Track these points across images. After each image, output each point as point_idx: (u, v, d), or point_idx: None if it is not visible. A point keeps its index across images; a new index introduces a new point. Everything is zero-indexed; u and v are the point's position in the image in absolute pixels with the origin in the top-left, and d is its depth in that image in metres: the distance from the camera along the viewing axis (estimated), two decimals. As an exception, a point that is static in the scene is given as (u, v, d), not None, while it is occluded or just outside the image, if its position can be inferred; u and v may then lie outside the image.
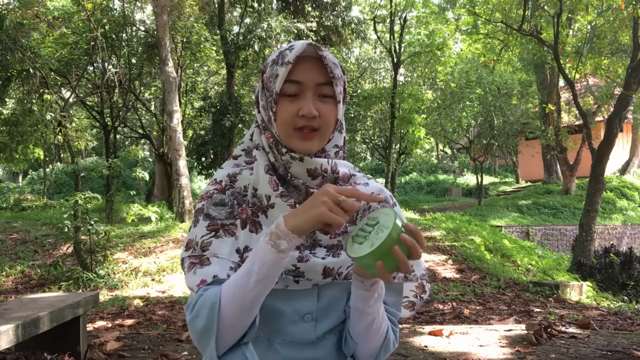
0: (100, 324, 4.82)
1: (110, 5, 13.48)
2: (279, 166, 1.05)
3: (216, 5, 15.53)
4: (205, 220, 1.03)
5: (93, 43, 11.34)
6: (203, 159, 15.56)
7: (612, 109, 10.69)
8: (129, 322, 4.91)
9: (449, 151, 35.01)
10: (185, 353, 3.61)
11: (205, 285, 0.96)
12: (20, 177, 29.80)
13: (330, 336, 1.07)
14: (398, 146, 18.70)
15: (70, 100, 12.89)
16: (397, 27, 17.43)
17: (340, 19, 15.35)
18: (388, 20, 17.95)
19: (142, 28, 15.00)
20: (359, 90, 17.71)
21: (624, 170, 22.60)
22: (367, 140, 20.57)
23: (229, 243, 1.01)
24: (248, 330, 0.96)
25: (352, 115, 17.21)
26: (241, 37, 13.40)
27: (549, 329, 3.96)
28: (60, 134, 10.22)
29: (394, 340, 1.09)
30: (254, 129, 1.11)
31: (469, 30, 16.95)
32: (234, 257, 1.01)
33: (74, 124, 12.23)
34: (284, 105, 1.01)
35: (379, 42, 18.75)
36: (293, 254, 1.01)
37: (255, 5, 14.67)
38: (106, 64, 13.05)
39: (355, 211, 0.92)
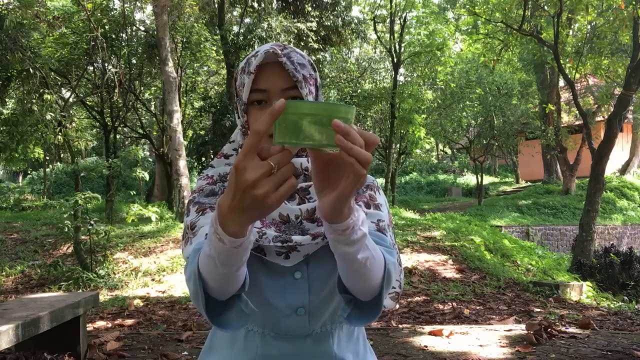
0: (100, 324, 4.82)
1: (110, 5, 13.47)
2: None
3: (216, 5, 15.52)
4: (194, 207, 1.06)
5: (93, 43, 11.34)
6: (203, 159, 15.56)
7: (612, 109, 10.69)
8: (129, 322, 4.91)
9: (449, 151, 34.99)
10: (185, 353, 3.61)
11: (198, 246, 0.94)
12: (20, 177, 29.79)
13: (327, 327, 1.07)
14: (398, 146, 18.71)
15: (70, 100, 12.89)
16: (397, 27, 17.44)
17: (340, 19, 15.33)
18: (388, 20, 17.95)
19: (142, 28, 14.99)
20: (359, 90, 17.72)
21: (624, 170, 22.60)
22: (367, 140, 20.52)
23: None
24: (240, 287, 0.90)
25: (352, 115, 17.19)
26: (241, 37, 13.41)
27: (549, 329, 3.96)
28: (60, 134, 10.22)
29: (394, 263, 0.96)
30: (237, 130, 1.14)
31: (469, 30, 16.95)
32: None
33: (74, 124, 12.23)
34: (253, 113, 1.04)
35: (379, 42, 18.75)
36: (280, 234, 0.99)
37: (255, 5, 14.67)
38: (106, 64, 13.04)
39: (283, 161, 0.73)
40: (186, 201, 10.70)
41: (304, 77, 1.03)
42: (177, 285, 6.58)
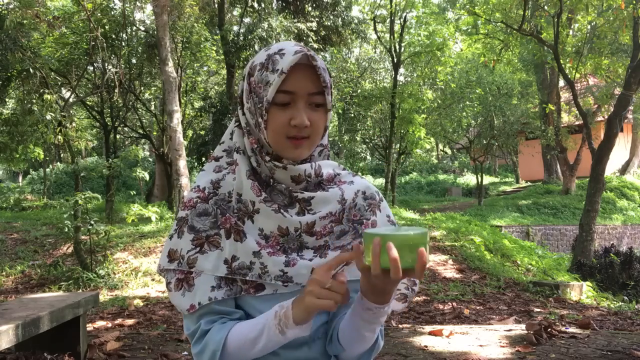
0: (100, 324, 4.82)
1: (110, 5, 13.47)
2: (262, 171, 1.05)
3: (216, 5, 15.52)
4: (190, 233, 1.04)
5: (93, 43, 11.32)
6: (203, 159, 15.55)
7: (612, 109, 10.69)
8: (129, 322, 4.91)
9: (449, 151, 35.00)
10: (185, 353, 3.61)
11: (202, 314, 1.02)
12: (20, 177, 29.79)
13: (321, 335, 1.08)
14: (398, 146, 18.70)
15: (70, 100, 12.88)
16: (397, 27, 17.43)
17: (340, 18, 15.32)
18: (388, 20, 17.95)
19: (142, 28, 14.99)
20: (359, 90, 17.71)
21: (624, 170, 22.60)
22: (367, 140, 20.57)
23: (214, 256, 1.03)
24: None
25: (352, 115, 17.21)
26: (241, 37, 13.40)
27: (549, 329, 3.96)
28: (60, 134, 10.20)
29: (380, 342, 1.10)
30: (235, 129, 1.10)
31: (469, 31, 16.95)
32: (220, 270, 1.02)
33: (74, 124, 12.20)
34: (275, 113, 1.01)
35: (379, 42, 18.74)
36: (280, 259, 1.02)
37: (255, 5, 14.66)
38: (106, 64, 13.03)
39: (344, 292, 0.94)
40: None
41: (329, 84, 1.03)
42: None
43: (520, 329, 4.23)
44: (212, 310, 1.02)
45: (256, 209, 1.03)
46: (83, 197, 6.87)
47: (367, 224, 1.11)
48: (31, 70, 10.40)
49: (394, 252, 0.85)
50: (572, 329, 4.17)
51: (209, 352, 0.99)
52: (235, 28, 14.76)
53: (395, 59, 16.54)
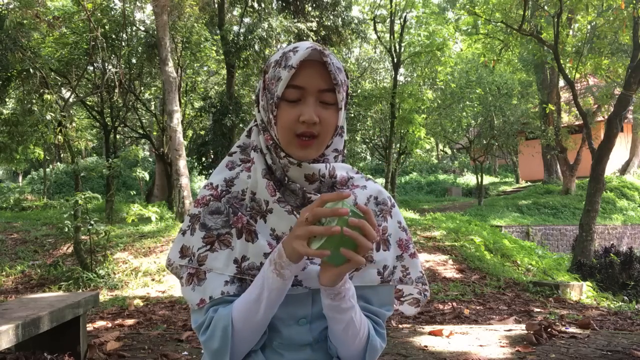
0: (100, 324, 4.82)
1: (111, 5, 13.47)
2: (277, 169, 1.04)
3: (216, 5, 15.52)
4: (201, 231, 1.04)
5: (93, 43, 11.32)
6: (203, 159, 15.56)
7: (612, 109, 10.69)
8: (129, 322, 4.91)
9: (449, 151, 35.00)
10: (185, 353, 3.61)
11: (211, 306, 1.00)
12: (20, 177, 29.79)
13: (324, 338, 1.07)
14: (398, 146, 18.70)
15: (70, 100, 12.88)
16: (397, 27, 17.42)
17: (340, 18, 15.32)
18: (388, 20, 17.94)
19: (142, 28, 15.00)
20: (359, 90, 17.71)
21: (624, 170, 22.60)
22: (367, 140, 20.57)
23: (225, 255, 1.02)
24: (259, 340, 1.02)
25: (352, 115, 17.20)
26: (241, 37, 13.40)
27: (549, 329, 3.96)
28: (60, 134, 10.20)
29: (380, 342, 1.08)
30: (253, 128, 1.10)
31: (469, 31, 16.96)
32: (230, 269, 1.02)
33: (74, 124, 12.20)
34: (285, 109, 1.00)
35: (379, 42, 18.74)
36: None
37: (255, 5, 14.66)
38: (106, 64, 13.04)
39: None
40: (187, 202, 10.73)
41: (341, 81, 1.02)
42: (177, 286, 6.58)
43: (520, 329, 4.24)
44: (221, 300, 1.01)
45: (269, 209, 1.03)
46: (83, 197, 6.87)
47: (378, 231, 1.10)
48: (31, 70, 10.40)
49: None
50: (572, 329, 4.17)
51: (220, 329, 0.97)
52: (235, 28, 14.75)
53: (395, 59, 16.53)
